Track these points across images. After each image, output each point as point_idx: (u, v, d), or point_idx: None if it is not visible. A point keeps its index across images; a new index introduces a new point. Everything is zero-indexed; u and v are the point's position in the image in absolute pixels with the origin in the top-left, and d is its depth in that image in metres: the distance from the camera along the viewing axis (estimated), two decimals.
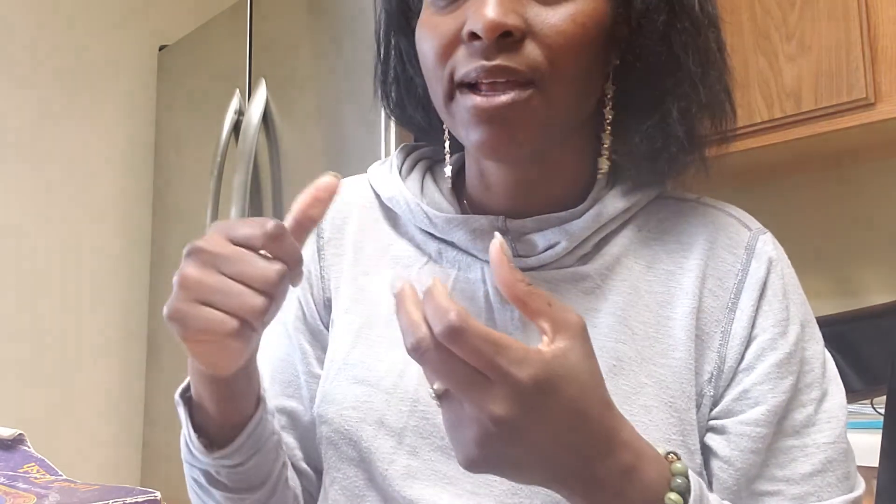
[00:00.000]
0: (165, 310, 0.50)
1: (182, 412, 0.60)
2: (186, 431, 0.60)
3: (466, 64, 0.57)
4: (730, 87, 0.65)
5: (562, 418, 0.46)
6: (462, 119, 0.59)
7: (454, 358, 0.44)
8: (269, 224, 0.49)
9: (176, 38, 2.26)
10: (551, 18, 0.57)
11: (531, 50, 0.56)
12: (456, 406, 0.46)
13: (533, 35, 0.57)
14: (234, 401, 0.59)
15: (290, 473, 0.69)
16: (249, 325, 0.49)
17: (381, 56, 0.72)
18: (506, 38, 0.56)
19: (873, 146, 1.62)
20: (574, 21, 0.57)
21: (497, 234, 0.49)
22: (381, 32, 0.71)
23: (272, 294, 0.49)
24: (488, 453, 0.45)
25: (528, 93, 0.57)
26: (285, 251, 0.50)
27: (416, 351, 0.44)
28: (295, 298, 0.72)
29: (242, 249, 0.50)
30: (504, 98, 0.56)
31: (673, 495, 0.49)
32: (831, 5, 1.47)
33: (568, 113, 0.60)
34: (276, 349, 0.73)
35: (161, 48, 2.30)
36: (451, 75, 0.59)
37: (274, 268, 0.49)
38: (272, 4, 1.87)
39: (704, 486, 0.52)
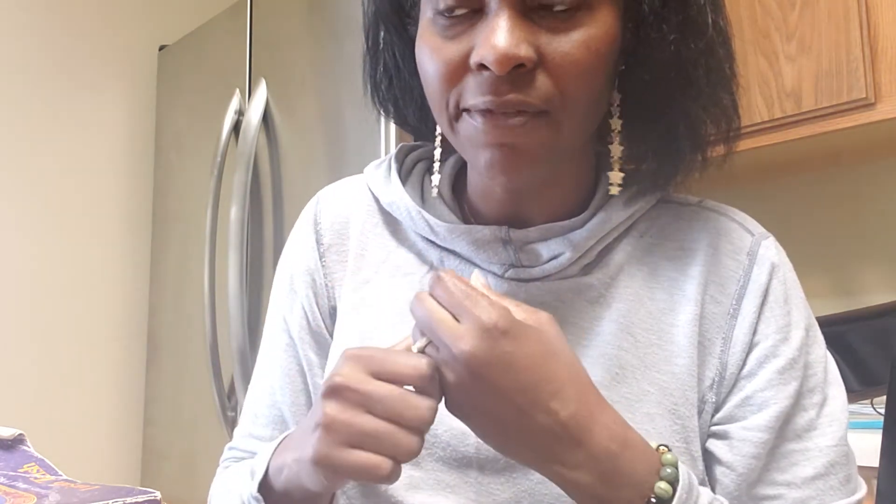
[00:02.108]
0: (311, 452, 0.49)
1: None
2: None
3: (475, 95, 0.55)
4: (736, 96, 0.64)
5: (530, 367, 0.49)
6: (469, 141, 0.58)
7: (434, 303, 0.50)
8: (424, 365, 0.49)
9: (176, 38, 2.25)
10: (563, 46, 0.54)
11: (543, 81, 0.54)
12: (434, 356, 0.50)
13: (544, 65, 0.54)
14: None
15: None
16: (401, 463, 0.49)
17: (370, 49, 0.69)
18: (517, 70, 0.53)
19: (873, 146, 1.61)
20: (588, 48, 0.54)
21: (476, 271, 0.55)
22: (369, 25, 0.69)
23: (425, 431, 0.49)
24: (461, 397, 0.50)
25: (539, 121, 0.55)
26: (436, 387, 0.50)
27: (414, 301, 0.52)
28: (300, 308, 0.71)
29: (392, 387, 0.49)
30: (513, 122, 0.55)
31: (662, 484, 0.50)
32: (831, 5, 1.47)
33: (578, 136, 0.59)
34: (282, 359, 0.71)
35: (161, 48, 2.30)
36: (458, 102, 0.57)
37: (428, 405, 0.49)
38: (272, 4, 1.87)
39: (695, 478, 0.53)
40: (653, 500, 0.50)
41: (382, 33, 0.68)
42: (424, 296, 0.51)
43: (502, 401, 0.49)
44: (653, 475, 0.51)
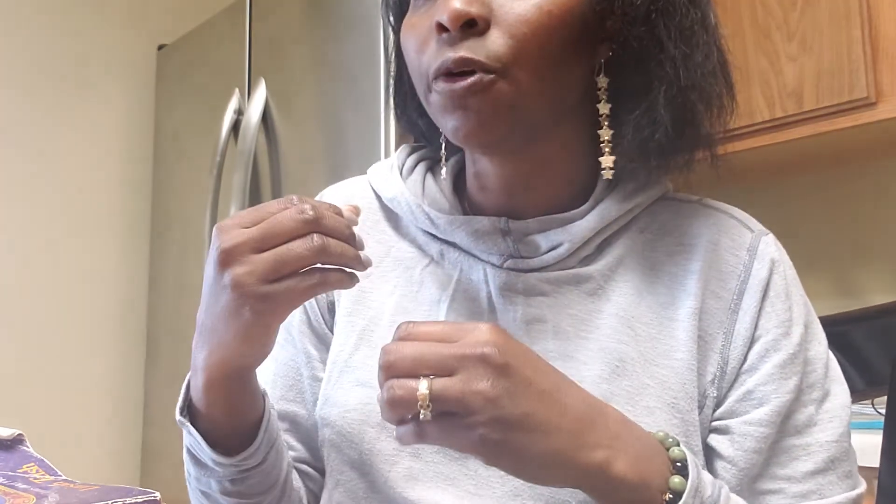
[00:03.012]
0: (238, 317, 0.52)
1: (190, 430, 0.59)
2: (198, 444, 0.60)
3: (437, 57, 0.58)
4: (726, 69, 0.64)
5: (538, 358, 0.49)
6: (437, 109, 0.60)
7: (421, 341, 0.48)
8: (305, 207, 0.52)
9: (175, 38, 2.25)
10: (516, 7, 0.57)
11: (495, 38, 0.57)
12: (446, 388, 0.46)
13: (497, 24, 0.57)
14: (250, 396, 0.60)
15: (294, 475, 0.69)
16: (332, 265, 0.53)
17: (395, 74, 0.73)
18: (471, 28, 0.57)
19: (874, 146, 1.61)
20: (539, 9, 0.57)
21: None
22: (394, 52, 0.72)
23: (318, 229, 0.52)
24: (492, 412, 0.45)
25: (490, 77, 0.57)
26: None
27: (390, 351, 0.48)
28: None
29: (271, 220, 0.52)
30: (465, 82, 0.57)
31: (676, 450, 0.51)
32: (833, 5, 1.47)
33: (540, 100, 0.59)
34: (279, 353, 0.72)
35: (160, 48, 2.30)
36: (427, 71, 0.60)
37: (308, 206, 0.52)
38: (272, 4, 1.87)
39: (700, 465, 0.53)
40: (678, 464, 0.51)
41: (398, 48, 0.71)
42: (400, 342, 0.48)
43: (534, 392, 0.47)
44: (659, 443, 0.52)
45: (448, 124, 0.59)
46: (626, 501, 0.49)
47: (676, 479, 0.49)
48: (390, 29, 0.72)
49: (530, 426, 0.46)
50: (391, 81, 0.74)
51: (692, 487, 0.49)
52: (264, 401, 0.62)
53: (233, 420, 0.60)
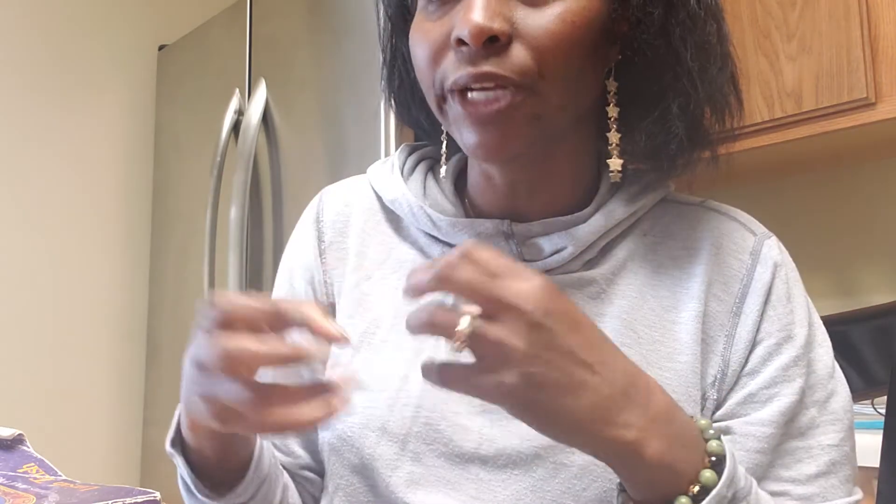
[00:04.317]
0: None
1: (180, 462, 0.58)
2: (188, 479, 0.58)
3: (455, 71, 0.57)
4: (736, 79, 0.64)
5: (587, 323, 0.47)
6: (456, 123, 0.59)
7: (477, 269, 0.44)
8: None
9: (176, 38, 2.25)
10: (539, 20, 0.56)
11: (518, 53, 0.55)
12: (488, 329, 0.44)
13: (520, 38, 0.56)
14: (239, 437, 0.58)
15: (291, 491, 0.68)
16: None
17: (387, 61, 0.72)
18: (493, 43, 0.55)
19: (874, 146, 1.61)
20: (563, 21, 0.56)
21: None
22: (385, 38, 0.71)
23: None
24: (529, 368, 0.44)
25: (519, 97, 0.56)
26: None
27: (442, 269, 0.45)
28: None
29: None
30: (494, 105, 0.56)
31: (714, 443, 0.50)
32: (832, 5, 1.47)
33: (563, 112, 0.59)
34: None
35: (161, 48, 2.30)
36: (442, 82, 0.58)
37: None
38: (272, 4, 1.87)
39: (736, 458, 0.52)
40: (713, 458, 0.49)
41: (394, 39, 0.70)
42: (456, 262, 0.45)
43: (572, 360, 0.45)
44: (699, 434, 0.50)
45: (468, 139, 0.58)
46: (651, 482, 0.48)
47: (708, 473, 0.48)
48: (386, 20, 0.70)
49: (560, 393, 0.44)
50: (383, 76, 0.72)
51: (726, 481, 0.48)
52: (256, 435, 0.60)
53: (222, 459, 0.58)
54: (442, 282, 0.45)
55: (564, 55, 0.56)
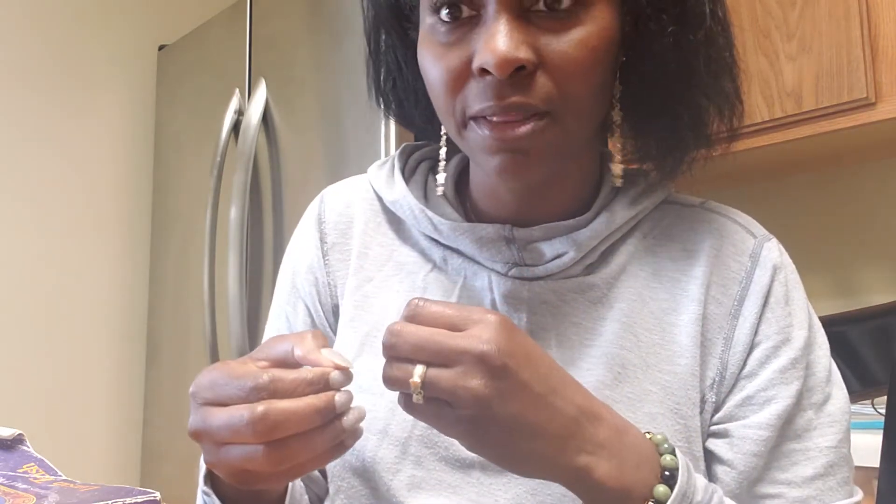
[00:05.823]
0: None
1: (214, 502, 0.57)
2: None
3: (479, 101, 0.55)
4: (739, 83, 0.64)
5: (541, 356, 0.49)
6: (478, 147, 0.58)
7: (423, 327, 0.48)
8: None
9: (176, 38, 2.25)
10: (562, 46, 0.54)
11: (544, 82, 0.55)
12: (440, 379, 0.47)
13: (544, 66, 0.55)
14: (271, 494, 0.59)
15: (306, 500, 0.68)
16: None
17: (372, 53, 0.70)
18: (518, 73, 0.54)
19: (873, 146, 1.61)
20: (586, 46, 0.55)
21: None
22: (370, 30, 0.69)
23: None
24: (482, 412, 0.47)
25: (544, 123, 0.55)
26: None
27: (393, 332, 0.48)
28: (303, 306, 0.71)
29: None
30: (520, 131, 0.55)
31: (667, 457, 0.51)
32: (832, 5, 1.47)
33: (583, 134, 0.60)
34: None
35: (161, 48, 2.30)
36: (464, 109, 0.57)
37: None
38: (272, 4, 1.87)
39: (691, 465, 0.53)
40: (666, 473, 0.51)
41: (384, 37, 0.68)
42: (404, 324, 0.48)
43: (527, 396, 0.47)
44: (654, 449, 0.52)
45: (492, 164, 0.57)
46: (607, 502, 0.50)
47: (661, 489, 0.50)
48: (374, 19, 0.68)
49: (515, 428, 0.47)
50: (368, 68, 0.70)
51: (677, 496, 0.50)
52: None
53: (255, 499, 0.58)
54: (391, 350, 0.48)
55: (586, 80, 0.56)
